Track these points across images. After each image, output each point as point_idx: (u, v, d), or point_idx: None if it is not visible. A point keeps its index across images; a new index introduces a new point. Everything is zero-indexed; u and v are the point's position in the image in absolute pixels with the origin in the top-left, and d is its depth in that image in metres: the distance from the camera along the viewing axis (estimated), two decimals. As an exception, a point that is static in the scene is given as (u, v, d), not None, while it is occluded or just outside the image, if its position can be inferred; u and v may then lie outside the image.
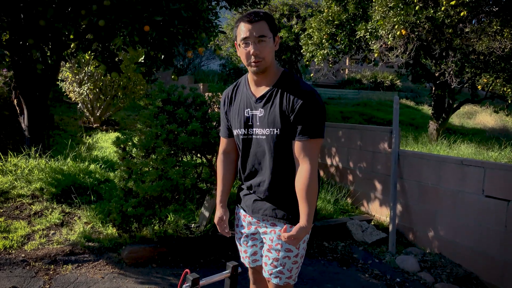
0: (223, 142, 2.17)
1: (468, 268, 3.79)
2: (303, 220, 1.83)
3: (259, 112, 1.93)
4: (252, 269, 2.25)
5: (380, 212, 4.93)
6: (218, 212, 2.13)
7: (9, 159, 5.09)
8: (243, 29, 1.85)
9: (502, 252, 3.51)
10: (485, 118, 12.16)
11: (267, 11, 1.93)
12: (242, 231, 2.18)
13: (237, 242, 2.28)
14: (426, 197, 4.28)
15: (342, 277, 3.71)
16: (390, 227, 4.36)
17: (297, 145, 1.88)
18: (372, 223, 4.78)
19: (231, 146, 2.14)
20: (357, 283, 3.62)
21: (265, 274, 2.08)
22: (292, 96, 1.86)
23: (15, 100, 5.80)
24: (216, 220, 2.13)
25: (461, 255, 3.89)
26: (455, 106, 8.20)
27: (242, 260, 2.28)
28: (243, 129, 1.98)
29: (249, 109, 1.97)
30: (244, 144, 2.01)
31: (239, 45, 1.89)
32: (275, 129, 1.89)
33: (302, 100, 1.84)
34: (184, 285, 2.28)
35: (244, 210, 2.13)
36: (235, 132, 2.04)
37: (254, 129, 1.95)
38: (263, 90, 1.94)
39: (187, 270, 2.28)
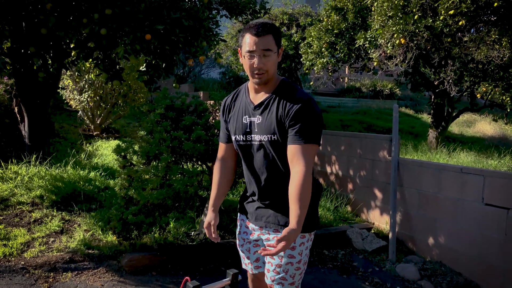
0: (221, 147, 2.19)
1: (468, 276, 3.79)
2: (293, 222, 1.77)
3: (257, 119, 1.96)
4: (253, 276, 2.26)
5: (380, 220, 4.93)
6: (208, 217, 2.11)
7: (9, 167, 5.09)
8: (249, 41, 1.85)
9: (502, 260, 3.51)
10: (484, 126, 12.20)
11: (273, 23, 1.92)
12: (245, 237, 2.19)
13: (239, 249, 2.28)
14: (426, 205, 4.29)
15: (342, 285, 3.70)
16: (390, 235, 4.36)
17: (291, 149, 1.87)
18: (372, 231, 4.78)
19: (229, 152, 2.17)
20: (358, 291, 3.61)
21: (268, 281, 2.09)
22: (288, 102, 1.88)
23: (15, 107, 5.81)
24: (205, 224, 2.10)
25: (462, 263, 3.88)
26: (454, 114, 8.24)
27: (244, 266, 2.29)
28: (241, 136, 2.01)
29: (247, 116, 1.99)
30: (243, 151, 2.04)
31: (244, 56, 1.90)
32: (272, 135, 1.91)
33: (297, 106, 1.86)
34: (184, 293, 2.28)
35: (247, 218, 2.15)
36: (233, 138, 2.06)
37: (252, 135, 1.98)
38: (261, 97, 1.97)
39: (187, 277, 2.28)
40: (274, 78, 1.96)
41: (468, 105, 8.59)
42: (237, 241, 2.27)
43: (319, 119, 1.89)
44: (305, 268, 2.09)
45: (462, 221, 3.89)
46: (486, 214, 3.67)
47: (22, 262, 3.43)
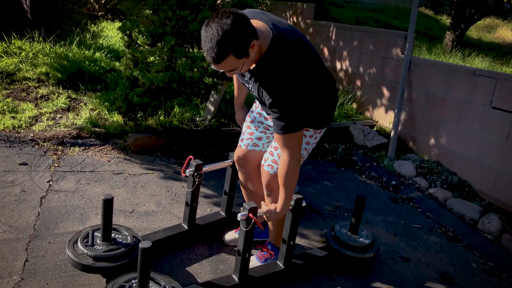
0: None
1: (462, 177, 3.90)
2: (279, 205, 1.91)
3: (250, 82, 1.85)
4: (246, 152, 2.33)
5: (384, 119, 4.95)
6: (237, 115, 2.51)
7: (13, 41, 4.99)
8: (210, 63, 1.62)
9: (499, 163, 3.58)
10: (506, 32, 11.66)
11: (228, 31, 1.51)
12: (258, 117, 2.26)
13: (245, 125, 2.35)
14: (432, 106, 4.26)
15: (339, 176, 3.84)
16: (392, 133, 4.41)
17: (275, 135, 1.82)
18: (375, 129, 4.82)
19: None
20: (353, 182, 3.75)
21: (262, 161, 2.19)
22: (266, 88, 1.72)
23: (15, -21, 5.52)
24: (237, 121, 2.53)
25: (459, 164, 3.97)
26: (476, 17, 7.82)
27: (240, 142, 2.35)
28: (240, 77, 1.95)
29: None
30: (245, 86, 2.02)
31: None
32: (261, 105, 1.93)
33: (273, 96, 1.70)
34: (187, 170, 2.37)
35: None
36: None
37: (249, 86, 1.90)
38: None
39: (191, 156, 2.35)
40: (260, 49, 1.69)
41: (493, 6, 8.12)
42: (248, 118, 2.33)
43: (299, 104, 1.73)
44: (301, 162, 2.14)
45: (466, 123, 3.89)
46: (491, 118, 3.65)
47: (31, 135, 3.53)
